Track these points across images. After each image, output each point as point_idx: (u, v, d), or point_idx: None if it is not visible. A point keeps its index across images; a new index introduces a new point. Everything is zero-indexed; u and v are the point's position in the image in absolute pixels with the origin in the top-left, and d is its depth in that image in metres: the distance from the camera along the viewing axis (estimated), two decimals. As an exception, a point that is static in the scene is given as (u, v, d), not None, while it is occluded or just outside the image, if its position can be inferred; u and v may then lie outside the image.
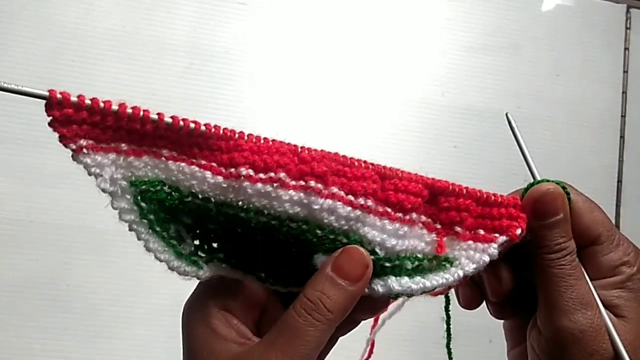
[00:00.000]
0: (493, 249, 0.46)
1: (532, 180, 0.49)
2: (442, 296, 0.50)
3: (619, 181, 1.30)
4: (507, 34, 1.31)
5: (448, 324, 0.52)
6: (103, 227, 1.09)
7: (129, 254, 1.08)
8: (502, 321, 0.54)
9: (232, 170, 0.41)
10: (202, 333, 0.44)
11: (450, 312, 0.51)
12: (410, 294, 0.45)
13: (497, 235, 0.46)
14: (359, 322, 0.50)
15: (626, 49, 1.34)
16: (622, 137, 1.32)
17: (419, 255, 0.46)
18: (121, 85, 1.16)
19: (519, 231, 0.46)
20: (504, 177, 1.22)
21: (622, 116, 1.32)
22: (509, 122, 0.51)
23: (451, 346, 0.52)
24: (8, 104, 1.08)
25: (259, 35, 1.22)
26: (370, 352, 0.54)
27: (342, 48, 1.25)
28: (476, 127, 1.26)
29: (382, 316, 0.52)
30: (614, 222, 1.28)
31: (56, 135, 0.39)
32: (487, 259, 0.46)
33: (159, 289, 1.10)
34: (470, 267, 0.46)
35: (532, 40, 1.32)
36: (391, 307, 0.50)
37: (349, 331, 0.50)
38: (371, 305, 0.48)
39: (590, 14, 1.34)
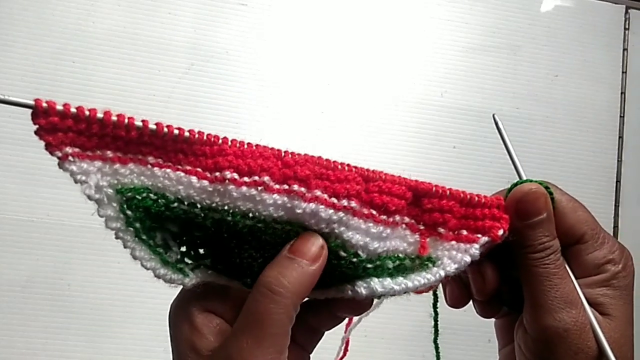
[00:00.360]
0: (474, 249, 0.46)
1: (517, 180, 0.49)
2: (430, 293, 0.51)
3: (618, 181, 1.30)
4: (506, 35, 1.31)
5: (436, 320, 0.52)
6: (103, 227, 1.10)
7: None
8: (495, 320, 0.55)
9: (217, 174, 0.41)
10: (185, 332, 0.45)
11: (438, 309, 0.51)
12: (393, 294, 0.46)
13: (479, 235, 0.46)
14: (344, 319, 0.51)
15: (625, 49, 1.34)
16: (620, 137, 1.32)
17: (400, 255, 0.46)
18: (122, 86, 1.17)
19: (500, 232, 0.46)
20: (502, 178, 1.22)
21: (620, 116, 1.33)
22: (496, 123, 0.51)
23: (438, 342, 0.52)
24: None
25: (259, 35, 1.23)
26: (345, 350, 0.54)
27: (341, 49, 1.25)
28: (475, 127, 1.26)
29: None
30: (612, 222, 1.29)
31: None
32: (468, 259, 0.46)
33: (159, 288, 1.09)
34: (452, 267, 0.46)
35: (531, 41, 1.32)
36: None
37: (334, 326, 0.51)
38: (355, 305, 0.48)
39: (589, 14, 1.34)
